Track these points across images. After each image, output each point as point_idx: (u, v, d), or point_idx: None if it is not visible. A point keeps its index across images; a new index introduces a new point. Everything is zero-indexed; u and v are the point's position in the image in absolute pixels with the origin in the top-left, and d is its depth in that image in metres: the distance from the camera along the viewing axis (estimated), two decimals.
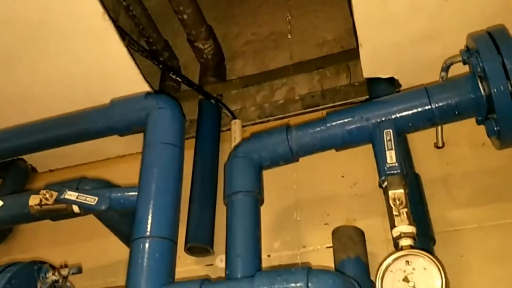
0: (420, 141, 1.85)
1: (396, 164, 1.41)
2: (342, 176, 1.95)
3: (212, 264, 1.89)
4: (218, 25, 2.71)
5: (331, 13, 2.54)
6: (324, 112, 2.15)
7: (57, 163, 2.42)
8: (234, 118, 2.27)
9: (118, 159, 2.36)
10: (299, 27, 2.57)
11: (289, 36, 2.42)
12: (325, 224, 1.85)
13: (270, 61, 2.52)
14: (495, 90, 1.36)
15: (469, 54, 1.48)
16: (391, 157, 1.42)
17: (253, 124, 2.28)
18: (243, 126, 2.26)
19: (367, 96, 2.06)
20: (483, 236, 1.66)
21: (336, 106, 2.15)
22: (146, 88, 1.99)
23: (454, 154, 1.86)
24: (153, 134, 1.66)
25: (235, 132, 2.20)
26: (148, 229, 1.47)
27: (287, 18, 2.31)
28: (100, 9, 1.78)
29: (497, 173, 1.76)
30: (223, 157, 2.04)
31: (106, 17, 1.80)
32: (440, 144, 1.86)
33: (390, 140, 1.44)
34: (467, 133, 1.76)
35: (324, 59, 2.29)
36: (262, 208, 1.69)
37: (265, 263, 1.78)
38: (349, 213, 1.85)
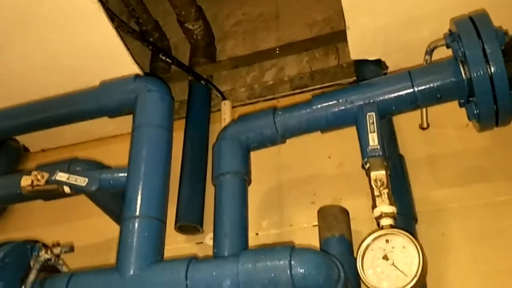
0: (406, 122, 1.89)
1: (378, 147, 1.44)
2: (329, 157, 1.99)
3: (202, 242, 1.94)
4: (209, 5, 2.71)
5: None
6: (312, 93, 2.19)
7: (50, 143, 2.45)
8: (224, 99, 2.29)
9: (110, 139, 2.39)
10: (289, 7, 2.58)
11: (277, 18, 2.42)
12: (312, 203, 1.89)
13: (260, 41, 2.53)
14: (475, 74, 1.39)
15: (452, 38, 1.50)
16: (373, 139, 1.45)
17: (242, 105, 2.30)
18: (233, 107, 2.28)
19: (355, 78, 2.09)
20: (464, 215, 1.70)
21: (325, 87, 2.17)
22: (136, 69, 2.01)
23: (438, 135, 1.89)
24: (141, 116, 1.69)
25: (225, 113, 2.23)
26: (137, 210, 1.51)
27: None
28: None
29: (480, 154, 1.81)
30: (213, 138, 2.07)
31: None
32: (425, 125, 1.90)
33: (373, 123, 1.48)
34: (451, 114, 1.78)
35: (312, 41, 2.30)
36: (251, 188, 1.73)
37: (253, 241, 1.83)
38: (336, 193, 1.89)
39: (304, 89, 2.22)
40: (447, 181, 1.79)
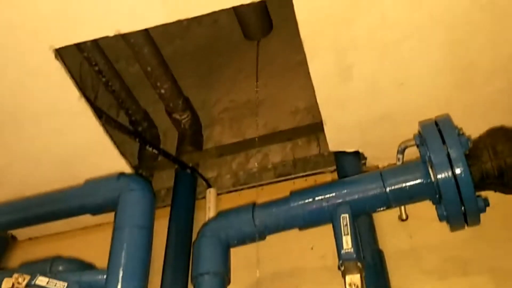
0: (385, 214, 1.88)
1: (352, 250, 1.46)
2: (312, 248, 2.01)
3: None
4: (198, 92, 2.82)
5: (304, 82, 2.62)
6: (295, 181, 2.24)
7: (36, 232, 2.45)
8: (209, 186, 2.34)
9: (96, 228, 2.41)
10: (274, 95, 2.67)
11: (256, 109, 2.51)
12: None
13: (246, 128, 2.61)
14: (440, 178, 1.44)
15: (420, 140, 1.56)
16: (347, 242, 1.48)
17: (227, 192, 2.35)
18: (218, 194, 2.32)
19: (335, 167, 2.15)
20: None
21: (306, 175, 2.23)
22: (122, 163, 2.08)
23: (417, 226, 1.92)
24: (122, 216, 1.72)
25: (210, 201, 2.26)
26: None
27: (256, 89, 2.43)
28: (76, 93, 1.85)
29: (460, 246, 1.82)
30: (197, 225, 2.08)
31: (83, 100, 1.88)
32: (404, 217, 1.93)
33: (347, 225, 1.51)
34: (430, 205, 1.82)
35: (294, 131, 2.39)
36: (233, 281, 1.73)
37: None
38: (318, 286, 1.90)
39: (287, 177, 2.28)
40: (427, 274, 1.81)
